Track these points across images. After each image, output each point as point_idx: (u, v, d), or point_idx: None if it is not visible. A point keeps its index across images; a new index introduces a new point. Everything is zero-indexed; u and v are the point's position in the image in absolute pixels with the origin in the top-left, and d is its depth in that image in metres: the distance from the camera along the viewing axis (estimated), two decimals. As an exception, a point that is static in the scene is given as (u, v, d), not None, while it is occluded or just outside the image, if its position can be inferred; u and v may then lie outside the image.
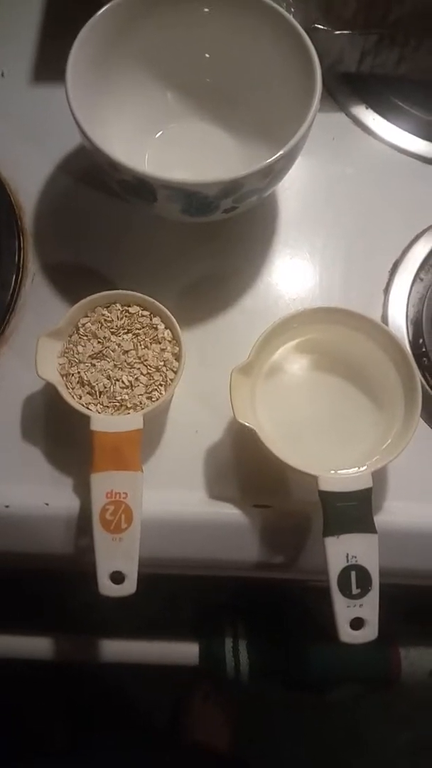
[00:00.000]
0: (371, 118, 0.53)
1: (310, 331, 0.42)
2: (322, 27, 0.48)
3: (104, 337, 0.40)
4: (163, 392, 0.39)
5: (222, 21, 0.43)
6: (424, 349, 0.45)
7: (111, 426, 0.37)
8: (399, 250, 0.49)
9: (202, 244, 0.47)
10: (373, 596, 0.35)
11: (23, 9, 0.55)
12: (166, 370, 0.40)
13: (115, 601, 0.36)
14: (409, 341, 0.46)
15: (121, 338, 0.40)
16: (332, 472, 0.37)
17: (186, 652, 0.49)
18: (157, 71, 0.46)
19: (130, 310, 0.41)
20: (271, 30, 0.42)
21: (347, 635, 0.35)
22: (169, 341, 0.40)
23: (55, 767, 0.70)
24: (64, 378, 0.39)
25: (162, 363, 0.40)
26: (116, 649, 0.48)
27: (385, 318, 0.47)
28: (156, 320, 0.41)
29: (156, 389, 0.39)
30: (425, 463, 0.42)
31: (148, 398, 0.39)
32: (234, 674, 0.48)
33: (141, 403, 0.39)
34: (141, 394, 0.39)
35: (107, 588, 0.36)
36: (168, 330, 0.40)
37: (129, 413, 0.38)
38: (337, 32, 0.48)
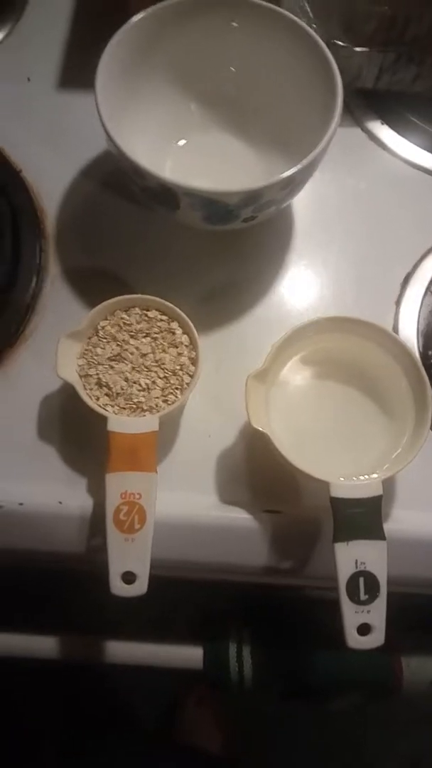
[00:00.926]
0: (386, 134, 0.54)
1: (323, 339, 0.42)
2: (342, 44, 0.49)
3: (123, 340, 0.41)
4: (179, 396, 0.40)
5: (248, 35, 0.44)
6: (434, 361, 0.46)
7: (127, 427, 0.38)
8: (411, 264, 0.49)
9: (218, 253, 0.48)
10: (381, 602, 0.35)
11: (51, 15, 0.56)
12: (183, 374, 0.40)
13: (123, 601, 0.36)
14: (420, 352, 0.47)
15: (139, 341, 0.41)
16: (342, 479, 0.37)
17: (190, 656, 0.49)
18: (182, 81, 0.47)
19: (149, 314, 0.41)
20: (295, 45, 0.43)
21: (354, 641, 0.35)
22: (186, 346, 0.41)
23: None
24: (83, 379, 0.40)
25: (179, 367, 0.40)
26: (119, 650, 0.49)
27: (396, 330, 0.47)
28: (174, 325, 0.41)
29: (172, 392, 0.40)
30: (433, 473, 0.43)
31: (164, 401, 0.40)
32: (237, 679, 0.48)
33: (157, 406, 0.39)
34: (157, 397, 0.40)
35: (119, 588, 0.36)
36: (185, 335, 0.41)
37: (145, 415, 0.39)
38: (357, 49, 0.49)
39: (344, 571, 0.35)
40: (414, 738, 0.99)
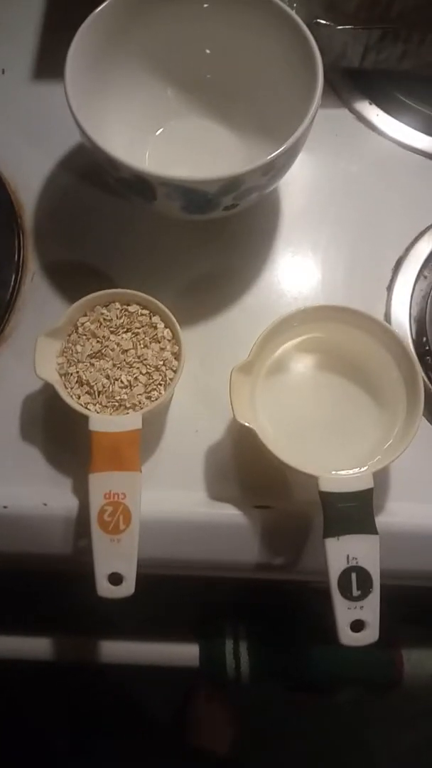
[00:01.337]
0: (375, 114, 0.53)
1: (311, 329, 0.41)
2: (324, 22, 0.47)
3: (103, 336, 0.40)
4: (163, 392, 0.39)
5: (222, 16, 0.43)
6: (427, 348, 0.44)
7: (110, 426, 0.37)
8: (402, 248, 0.48)
9: (203, 242, 0.47)
10: (374, 598, 0.34)
11: (24, 5, 0.55)
12: (166, 369, 0.39)
13: (114, 602, 0.36)
14: (413, 339, 0.45)
15: (120, 337, 0.40)
16: (333, 472, 0.36)
17: (186, 653, 0.48)
18: (157, 68, 0.46)
19: (130, 309, 0.40)
20: (272, 25, 0.41)
21: (347, 638, 0.34)
22: (169, 340, 0.40)
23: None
24: (63, 377, 0.39)
25: (161, 362, 0.39)
26: (115, 650, 0.48)
27: (388, 316, 0.46)
28: (155, 319, 0.40)
29: (155, 389, 0.39)
30: (428, 463, 0.42)
31: (147, 398, 0.39)
32: (235, 676, 0.48)
33: (140, 403, 0.38)
34: (140, 394, 0.39)
35: (105, 590, 0.35)
36: (168, 329, 0.40)
37: (128, 413, 0.38)
38: (340, 27, 0.48)
39: (335, 566, 0.34)
40: (416, 731, 0.99)
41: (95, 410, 0.38)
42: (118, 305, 0.40)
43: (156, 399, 0.38)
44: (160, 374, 0.39)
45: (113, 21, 0.41)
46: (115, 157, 0.36)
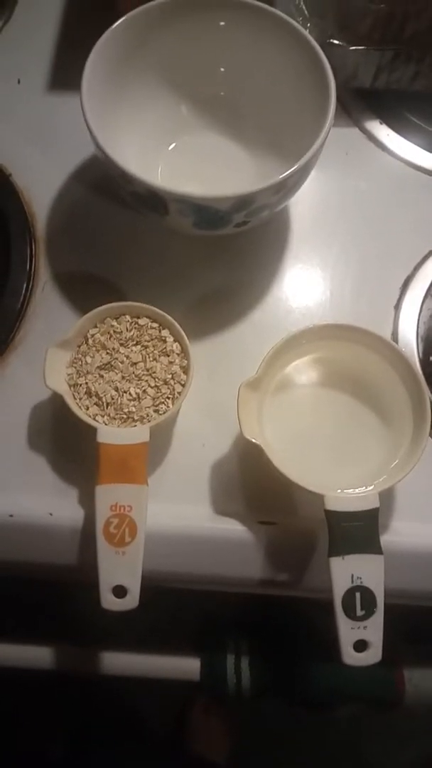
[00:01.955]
0: (385, 134, 0.53)
1: (318, 347, 0.41)
2: (337, 42, 0.47)
3: (113, 349, 0.40)
4: (171, 405, 0.39)
5: (237, 34, 0.43)
6: (434, 367, 0.45)
7: (117, 438, 0.37)
8: (411, 267, 0.48)
9: (212, 257, 0.47)
10: (378, 618, 0.34)
11: (41, 16, 0.55)
12: (174, 383, 0.39)
13: (118, 614, 0.35)
14: (419, 358, 0.46)
15: (129, 350, 0.40)
16: (339, 490, 0.36)
17: (187, 667, 0.48)
18: (171, 83, 0.46)
19: (140, 321, 0.40)
20: (285, 44, 0.42)
21: (350, 657, 0.34)
22: (178, 354, 0.40)
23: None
24: (72, 388, 0.39)
25: (170, 376, 0.39)
26: (116, 662, 0.48)
27: (395, 334, 0.46)
28: (165, 333, 0.40)
29: (163, 402, 0.39)
30: (432, 483, 0.42)
31: (155, 411, 0.39)
32: (235, 692, 0.47)
33: (148, 416, 0.39)
34: (148, 407, 0.39)
35: (109, 602, 0.35)
36: (177, 343, 0.40)
37: (136, 425, 0.38)
38: (353, 48, 0.48)
39: (340, 586, 0.34)
40: (415, 748, 0.98)
41: (103, 422, 0.38)
42: (128, 318, 0.41)
43: (164, 412, 0.39)
44: (168, 388, 0.39)
45: (130, 36, 0.41)
46: (129, 172, 0.37)
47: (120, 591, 0.35)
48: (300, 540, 0.40)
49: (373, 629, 0.34)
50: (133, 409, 0.39)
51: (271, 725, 0.97)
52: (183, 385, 0.39)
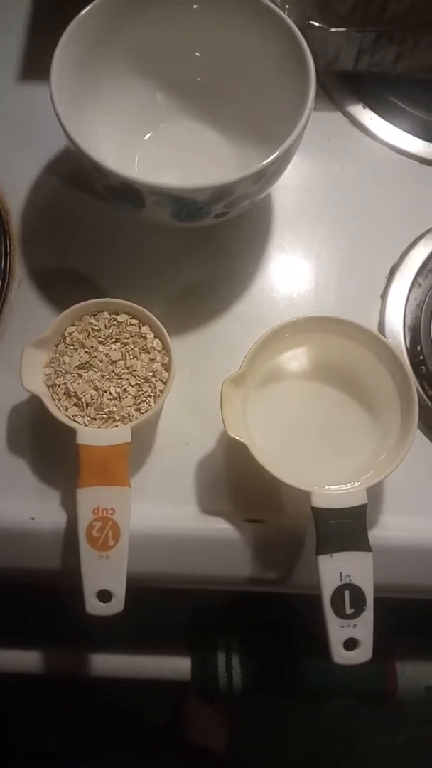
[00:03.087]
0: (369, 118, 0.52)
1: (303, 340, 0.40)
2: (317, 24, 0.46)
3: (91, 347, 0.39)
4: (153, 404, 0.38)
5: (212, 17, 0.42)
6: (421, 357, 0.44)
7: (98, 439, 0.36)
8: (397, 255, 0.47)
9: (194, 249, 0.46)
10: (368, 616, 0.34)
11: (10, 5, 0.53)
12: (156, 380, 0.38)
13: (103, 619, 0.35)
14: (407, 349, 0.45)
15: (108, 348, 0.39)
16: (326, 486, 0.36)
17: (178, 667, 0.48)
18: (145, 70, 0.45)
19: (119, 318, 0.39)
20: (263, 27, 0.40)
21: (340, 656, 0.34)
22: (159, 351, 0.39)
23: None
24: (51, 389, 0.38)
25: (151, 373, 0.38)
26: (106, 663, 0.47)
27: (382, 324, 0.45)
28: (145, 329, 0.39)
29: (145, 400, 0.38)
30: (422, 476, 0.41)
31: (136, 410, 0.38)
32: (227, 690, 0.47)
33: (129, 415, 0.38)
34: (129, 406, 0.38)
35: (94, 607, 0.35)
36: (157, 339, 0.39)
37: (117, 425, 0.37)
38: (333, 30, 0.47)
39: (328, 584, 0.34)
40: (407, 734, 0.99)
41: (83, 422, 0.37)
42: (106, 315, 0.39)
43: (146, 411, 0.38)
44: (149, 386, 0.38)
45: (101, 22, 0.40)
46: (103, 165, 0.35)
47: (105, 595, 0.35)
48: (288, 537, 0.39)
49: (363, 627, 0.34)
50: (114, 409, 0.38)
51: (266, 713, 0.97)
52: (165, 383, 0.38)
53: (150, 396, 0.38)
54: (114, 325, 0.39)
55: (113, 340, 0.39)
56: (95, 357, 0.39)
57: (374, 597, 0.34)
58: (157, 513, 0.40)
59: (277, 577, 0.40)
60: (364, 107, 0.52)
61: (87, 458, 0.36)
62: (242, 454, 0.36)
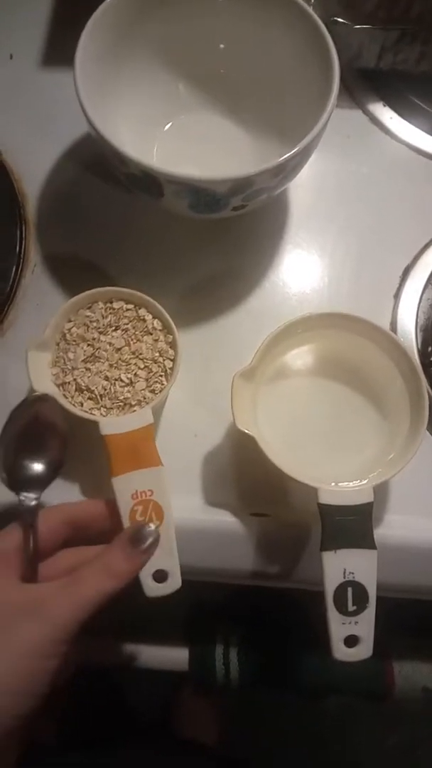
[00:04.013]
0: (388, 117, 0.52)
1: (315, 336, 0.40)
2: (341, 21, 0.46)
3: (93, 339, 0.39)
4: (165, 382, 0.38)
5: (237, 10, 0.42)
6: (432, 359, 0.44)
7: (121, 427, 0.36)
8: (411, 255, 0.47)
9: (208, 242, 0.46)
10: (369, 614, 0.34)
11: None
12: (163, 359, 0.38)
13: (158, 602, 0.35)
14: (418, 349, 0.45)
15: (110, 336, 0.39)
16: (333, 483, 0.36)
17: (176, 657, 0.48)
18: (169, 61, 0.45)
19: (114, 306, 0.39)
20: (288, 21, 0.40)
21: (341, 653, 0.34)
22: (161, 330, 0.39)
23: (43, 765, 0.70)
24: (61, 387, 0.38)
25: (158, 353, 0.38)
26: (104, 652, 0.47)
27: (394, 324, 0.45)
28: (143, 312, 0.39)
29: (157, 381, 0.38)
30: (429, 477, 0.41)
31: (150, 391, 0.38)
32: (224, 682, 0.47)
33: (145, 398, 0.38)
34: (143, 389, 0.38)
35: (152, 588, 0.35)
36: (156, 319, 0.39)
37: (135, 410, 0.37)
38: (357, 27, 0.46)
39: (332, 581, 0.34)
40: (403, 732, 0.99)
41: (101, 414, 0.37)
42: (101, 305, 0.39)
43: (160, 391, 0.38)
44: (158, 366, 0.38)
45: (127, 11, 0.40)
46: (124, 152, 0.35)
47: (161, 575, 0.35)
48: (293, 532, 0.39)
49: (365, 625, 0.34)
50: (129, 395, 0.38)
51: (260, 708, 0.98)
52: (173, 360, 0.38)
53: (161, 375, 0.38)
54: (111, 313, 0.39)
55: (113, 328, 0.39)
56: (99, 348, 0.38)
57: (376, 595, 0.34)
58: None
59: (280, 571, 0.40)
60: (385, 106, 0.52)
61: (115, 447, 0.36)
62: (250, 448, 0.36)
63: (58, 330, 0.39)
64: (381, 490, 0.40)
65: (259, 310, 0.45)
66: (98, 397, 0.37)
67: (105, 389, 0.38)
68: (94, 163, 0.47)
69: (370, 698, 0.48)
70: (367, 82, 0.53)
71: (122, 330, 0.39)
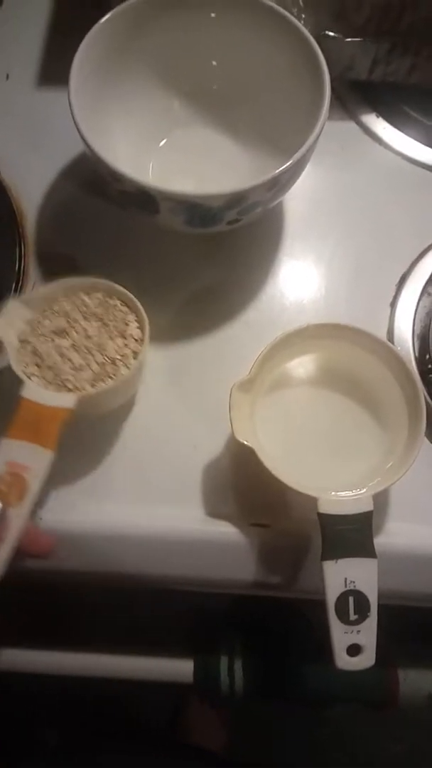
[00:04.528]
0: (381, 127, 0.52)
1: (313, 346, 0.41)
2: (332, 34, 0.47)
3: (74, 319, 0.39)
4: (109, 383, 0.37)
5: (229, 26, 0.43)
6: (430, 366, 0.44)
7: (41, 398, 0.36)
8: (407, 263, 0.48)
9: (205, 255, 0.47)
10: (371, 622, 0.34)
11: (30, 10, 0.54)
12: (121, 365, 0.38)
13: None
14: (415, 357, 0.45)
15: (89, 324, 0.39)
16: (333, 493, 0.36)
17: (180, 669, 0.48)
18: (162, 77, 0.45)
19: (110, 301, 0.40)
20: (278, 36, 0.41)
21: (344, 662, 0.34)
22: (136, 340, 0.39)
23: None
24: (21, 344, 0.38)
25: (119, 357, 0.38)
26: (107, 665, 0.48)
27: (391, 332, 0.46)
28: (130, 317, 0.40)
29: (102, 380, 0.38)
30: (428, 484, 0.41)
31: (91, 385, 0.37)
32: (229, 693, 0.47)
33: (83, 388, 0.37)
34: (86, 380, 0.37)
35: None
36: (139, 330, 0.39)
37: (67, 392, 0.37)
38: (348, 39, 0.47)
39: (333, 590, 0.34)
40: (408, 741, 0.99)
41: (33, 381, 0.37)
42: (100, 295, 0.40)
43: (99, 389, 0.37)
44: (113, 368, 0.38)
45: (121, 29, 0.40)
46: (119, 170, 0.36)
47: None
48: (293, 543, 0.40)
49: (367, 633, 0.34)
50: (70, 378, 0.37)
51: (267, 718, 0.97)
52: (129, 369, 0.38)
53: (110, 377, 0.38)
54: (102, 306, 0.40)
55: (96, 318, 0.39)
56: (73, 328, 0.39)
57: (378, 604, 0.34)
58: (163, 514, 0.40)
59: (281, 581, 0.40)
60: (378, 116, 0.53)
61: (24, 412, 0.35)
62: (249, 458, 0.36)
63: (49, 298, 0.39)
64: (381, 499, 0.40)
65: (257, 322, 0.46)
66: (45, 367, 0.37)
67: (54, 363, 0.38)
68: (92, 180, 0.48)
69: (375, 706, 0.48)
70: (359, 94, 0.53)
71: (103, 324, 0.39)
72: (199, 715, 0.94)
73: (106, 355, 0.38)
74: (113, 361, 0.38)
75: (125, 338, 0.39)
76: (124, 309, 0.40)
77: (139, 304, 0.39)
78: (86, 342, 0.39)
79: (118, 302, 0.40)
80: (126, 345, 0.39)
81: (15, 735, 0.87)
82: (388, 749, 0.99)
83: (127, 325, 0.39)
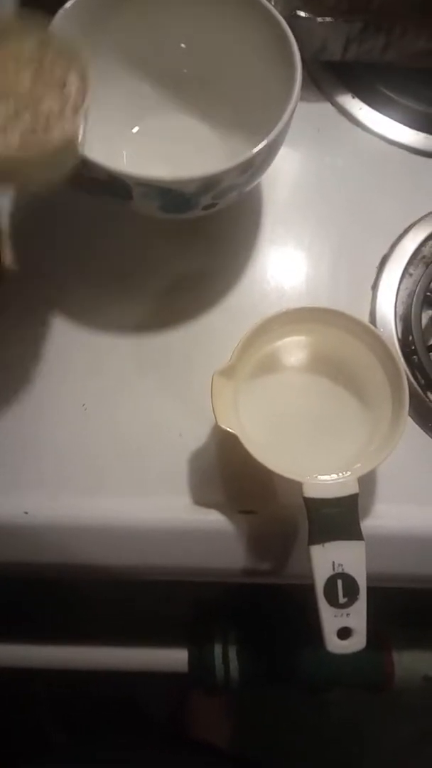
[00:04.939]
0: (358, 108, 0.52)
1: (294, 331, 0.40)
2: (303, 14, 0.46)
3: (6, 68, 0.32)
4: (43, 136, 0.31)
5: (196, 8, 0.42)
6: (413, 347, 0.44)
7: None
8: (387, 245, 0.47)
9: (183, 241, 0.46)
10: (361, 605, 0.34)
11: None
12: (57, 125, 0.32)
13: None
14: (398, 338, 0.45)
15: (21, 76, 0.32)
16: (318, 476, 0.36)
17: (175, 659, 0.48)
18: (132, 63, 0.44)
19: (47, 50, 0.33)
20: (247, 17, 0.40)
21: (334, 645, 0.34)
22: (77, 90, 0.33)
23: (53, 766, 0.69)
24: None
25: (58, 108, 0.32)
26: (101, 656, 0.47)
27: (373, 315, 0.45)
28: (73, 77, 0.34)
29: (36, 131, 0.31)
30: (414, 464, 0.41)
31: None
32: (224, 682, 0.47)
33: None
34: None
35: None
36: (79, 96, 0.33)
37: None
38: (320, 19, 0.47)
39: (321, 574, 0.34)
40: (413, 723, 0.99)
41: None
42: (50, 54, 0.33)
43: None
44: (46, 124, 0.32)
45: (85, 15, 0.40)
46: (89, 158, 0.35)
47: None
48: (281, 528, 0.39)
49: (357, 616, 0.34)
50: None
51: (270, 707, 0.98)
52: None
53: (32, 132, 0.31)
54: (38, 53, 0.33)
55: (32, 70, 0.33)
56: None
57: (368, 586, 0.34)
58: (150, 504, 0.40)
59: (270, 567, 0.40)
60: (354, 97, 0.52)
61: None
62: (234, 445, 0.36)
63: None
64: (367, 481, 0.40)
65: (238, 308, 0.45)
66: None
67: None
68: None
69: (371, 689, 0.48)
70: (334, 75, 0.53)
71: (38, 75, 0.33)
72: (203, 708, 0.94)
73: (40, 110, 0.32)
74: (47, 118, 0.32)
75: (64, 87, 0.33)
76: (64, 62, 0.34)
77: (84, 62, 0.34)
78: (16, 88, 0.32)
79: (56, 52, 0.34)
80: (66, 96, 0.33)
81: (19, 733, 0.87)
82: (392, 734, 1.00)
83: (65, 85, 0.33)
